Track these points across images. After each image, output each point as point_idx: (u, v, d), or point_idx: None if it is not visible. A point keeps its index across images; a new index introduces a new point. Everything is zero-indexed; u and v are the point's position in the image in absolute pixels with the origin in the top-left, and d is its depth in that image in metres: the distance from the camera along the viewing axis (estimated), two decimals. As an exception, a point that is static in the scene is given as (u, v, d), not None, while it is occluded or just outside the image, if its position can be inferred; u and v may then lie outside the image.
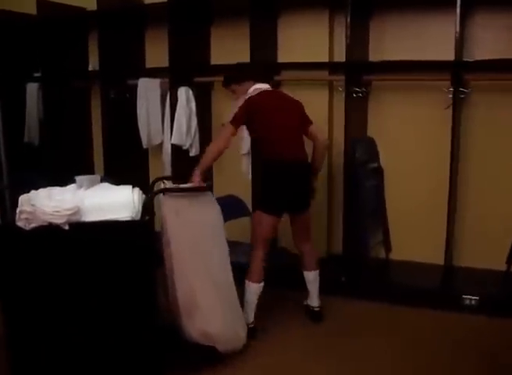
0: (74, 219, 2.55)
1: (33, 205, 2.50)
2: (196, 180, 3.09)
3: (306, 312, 3.73)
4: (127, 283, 2.67)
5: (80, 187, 4.23)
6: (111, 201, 2.65)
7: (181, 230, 2.79)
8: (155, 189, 2.92)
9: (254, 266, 3.39)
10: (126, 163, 4.82)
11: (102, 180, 4.68)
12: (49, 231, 2.53)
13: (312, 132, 3.52)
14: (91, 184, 4.45)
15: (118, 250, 2.62)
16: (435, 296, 3.84)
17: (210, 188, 2.82)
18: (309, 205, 3.55)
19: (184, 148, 4.51)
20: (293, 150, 3.38)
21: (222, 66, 4.46)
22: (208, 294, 2.92)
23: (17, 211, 2.53)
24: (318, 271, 3.66)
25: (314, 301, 3.70)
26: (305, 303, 3.76)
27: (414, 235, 4.34)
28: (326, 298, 3.81)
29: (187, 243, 2.81)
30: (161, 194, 2.91)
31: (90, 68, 5.11)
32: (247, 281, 3.39)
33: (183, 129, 4.44)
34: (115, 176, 4.54)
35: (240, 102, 3.44)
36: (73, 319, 2.66)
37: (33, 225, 2.53)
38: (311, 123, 3.52)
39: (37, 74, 5.07)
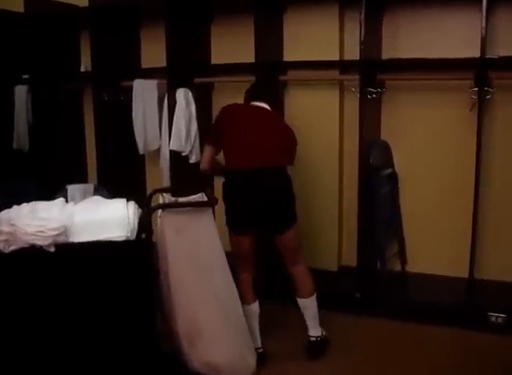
0: (61, 240, 2.25)
1: (13, 225, 2.20)
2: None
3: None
4: (122, 310, 2.39)
5: (72, 198, 4.04)
6: (103, 219, 2.35)
7: (181, 248, 2.49)
8: (153, 203, 2.61)
9: (240, 288, 3.05)
10: (121, 170, 4.59)
11: (96, 190, 4.47)
12: (32, 254, 2.24)
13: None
14: (84, 194, 4.24)
15: (111, 275, 2.34)
16: (457, 313, 3.56)
17: (213, 203, 2.50)
18: (289, 224, 3.09)
19: (184, 154, 4.23)
20: (252, 158, 3.00)
21: (223, 66, 4.26)
22: (212, 318, 2.64)
23: (-6, 232, 2.23)
24: (314, 296, 3.23)
25: (313, 329, 3.25)
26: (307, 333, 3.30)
27: (432, 246, 4.07)
28: (339, 316, 3.62)
29: (187, 263, 2.52)
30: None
31: (83, 69, 4.86)
32: (241, 305, 3.01)
33: (182, 133, 4.17)
34: (110, 184, 4.33)
35: None
36: (63, 349, 2.36)
37: (13, 247, 2.22)
38: (292, 159, 3.16)
39: (25, 76, 4.81)
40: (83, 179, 4.88)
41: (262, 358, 3.08)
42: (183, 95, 4.15)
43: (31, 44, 4.63)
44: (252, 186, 2.96)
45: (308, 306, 3.22)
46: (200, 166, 3.23)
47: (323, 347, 3.27)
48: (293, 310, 3.33)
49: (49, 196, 3.37)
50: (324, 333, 3.30)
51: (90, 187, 4.54)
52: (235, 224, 3.02)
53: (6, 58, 4.72)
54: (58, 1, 4.61)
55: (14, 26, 4.65)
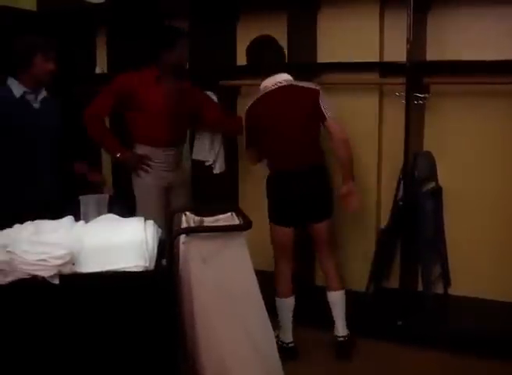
0: (67, 270, 1.89)
1: (9, 252, 1.84)
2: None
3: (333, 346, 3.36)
4: (139, 351, 2.02)
5: (85, 211, 3.70)
6: (117, 245, 1.99)
7: (208, 279, 2.11)
8: (175, 226, 2.24)
9: (278, 280, 3.30)
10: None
11: (111, 201, 4.15)
12: (33, 287, 1.88)
13: (328, 127, 3.18)
14: (98, 206, 3.91)
15: (125, 311, 1.97)
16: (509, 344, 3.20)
17: (248, 226, 2.13)
18: (326, 214, 3.28)
19: (207, 164, 3.91)
20: (295, 158, 3.17)
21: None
22: (242, 359, 2.23)
23: (-12, 260, 1.88)
24: (343, 291, 3.32)
25: (340, 328, 3.31)
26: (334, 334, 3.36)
27: (477, 267, 3.71)
28: (377, 344, 3.39)
29: (215, 296, 2.13)
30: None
31: (98, 70, 4.62)
32: (276, 298, 3.28)
33: (205, 141, 3.84)
34: (126, 194, 4.02)
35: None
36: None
37: (10, 278, 1.87)
38: (325, 118, 3.16)
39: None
40: (97, 188, 4.56)
41: (293, 353, 3.26)
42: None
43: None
44: (298, 183, 3.16)
45: (337, 302, 3.30)
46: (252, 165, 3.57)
47: (351, 347, 3.33)
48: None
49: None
50: (349, 333, 3.35)
51: (104, 197, 4.22)
52: (281, 217, 3.23)
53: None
54: (73, -1, 4.38)
55: (26, 25, 4.37)
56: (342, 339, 3.30)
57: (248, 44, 3.34)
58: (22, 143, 3.09)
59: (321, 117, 3.15)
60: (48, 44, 3.13)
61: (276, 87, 3.17)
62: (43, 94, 3.21)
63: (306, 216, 3.24)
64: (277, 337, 3.17)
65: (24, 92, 3.09)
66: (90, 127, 3.56)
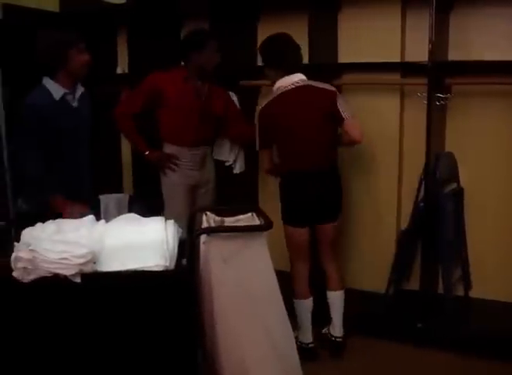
0: (88, 268, 1.90)
1: (32, 251, 1.86)
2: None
3: (325, 343, 3.37)
4: (159, 350, 2.02)
5: (105, 210, 3.73)
6: (138, 244, 1.99)
7: (228, 279, 2.10)
8: (196, 226, 2.24)
9: (296, 282, 3.29)
10: (158, 179, 4.22)
11: (131, 201, 4.17)
12: (54, 285, 1.89)
13: (346, 130, 3.19)
14: (118, 206, 3.94)
15: (146, 310, 1.97)
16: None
17: (269, 226, 2.12)
18: (336, 215, 3.27)
19: (227, 164, 3.93)
20: (307, 161, 3.16)
21: None
22: (262, 359, 2.22)
23: (12, 258, 1.89)
24: (343, 291, 3.33)
25: (337, 329, 3.32)
26: (324, 331, 3.41)
27: (499, 269, 3.65)
28: (396, 346, 3.36)
29: (235, 296, 2.12)
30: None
31: (119, 70, 4.62)
32: (294, 300, 3.26)
33: (226, 142, 3.87)
34: (146, 194, 4.04)
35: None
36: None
37: (32, 276, 1.88)
38: (342, 119, 3.14)
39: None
40: (117, 188, 4.59)
41: (313, 354, 3.26)
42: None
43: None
44: (313, 183, 3.16)
45: (336, 302, 3.31)
46: (264, 171, 3.48)
47: (344, 347, 3.33)
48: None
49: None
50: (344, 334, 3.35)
51: (125, 197, 4.30)
52: (296, 218, 3.22)
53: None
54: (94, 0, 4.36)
55: (49, 25, 4.39)
56: (339, 339, 3.31)
57: (264, 40, 3.31)
58: (64, 143, 3.04)
59: (339, 118, 3.14)
60: (76, 36, 3.05)
61: (293, 87, 3.15)
62: (80, 90, 3.14)
63: (318, 216, 3.24)
64: (296, 337, 3.16)
65: (64, 93, 3.02)
66: (120, 124, 3.71)
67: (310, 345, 3.29)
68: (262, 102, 3.30)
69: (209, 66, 3.55)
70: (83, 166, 3.21)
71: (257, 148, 3.30)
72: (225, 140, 3.88)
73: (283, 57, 3.20)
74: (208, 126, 3.66)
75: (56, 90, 3.00)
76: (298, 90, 3.14)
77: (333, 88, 3.20)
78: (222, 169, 3.94)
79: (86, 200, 3.10)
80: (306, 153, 3.15)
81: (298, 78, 3.17)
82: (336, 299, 3.31)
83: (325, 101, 3.14)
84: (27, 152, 2.96)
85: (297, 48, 3.24)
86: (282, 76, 3.18)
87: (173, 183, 3.67)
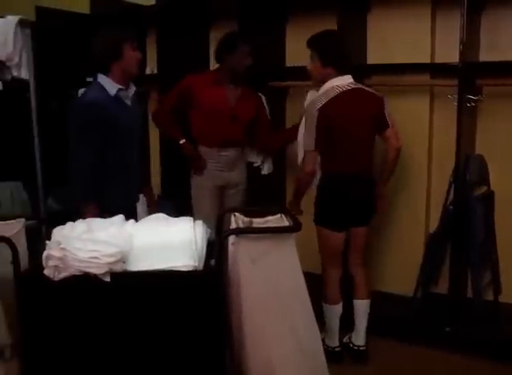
0: (117, 268, 1.91)
1: (63, 249, 1.88)
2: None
3: (348, 351, 3.33)
4: (187, 349, 2.03)
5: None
6: (167, 244, 2.00)
7: (256, 280, 2.10)
8: (225, 226, 2.25)
9: (328, 286, 3.23)
10: (187, 179, 4.24)
11: (159, 201, 4.19)
12: (84, 283, 1.91)
13: (388, 136, 3.17)
14: (146, 205, 3.95)
15: (174, 310, 1.98)
16: None
17: (298, 228, 2.11)
18: (370, 219, 3.26)
19: (255, 165, 3.94)
20: (356, 163, 3.12)
21: (300, 69, 3.79)
22: (289, 360, 2.21)
23: (43, 255, 1.92)
24: (369, 301, 3.28)
25: (360, 338, 3.28)
26: (345, 341, 3.36)
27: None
28: (425, 351, 3.31)
29: (264, 297, 2.12)
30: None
31: (148, 71, 4.64)
32: (324, 305, 3.22)
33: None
34: (174, 194, 4.06)
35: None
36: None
37: (63, 274, 1.90)
38: (388, 126, 3.15)
39: (89, 79, 4.56)
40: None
41: (339, 357, 3.24)
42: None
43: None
44: (360, 186, 3.14)
45: (363, 311, 3.25)
46: (306, 171, 3.14)
47: (367, 355, 3.29)
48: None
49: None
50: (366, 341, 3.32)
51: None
52: (336, 221, 3.15)
53: (72, 61, 4.52)
54: (124, 1, 4.45)
55: (80, 27, 4.46)
56: (362, 348, 3.27)
57: (322, 36, 3.18)
58: (119, 143, 2.98)
59: (384, 124, 3.14)
60: (130, 32, 3.03)
61: (349, 88, 3.09)
62: (133, 89, 3.08)
63: (356, 219, 3.20)
64: (322, 340, 3.13)
65: (119, 89, 2.96)
66: (157, 121, 3.87)
67: (336, 349, 3.27)
68: (315, 100, 3.12)
69: (240, 69, 3.57)
70: (135, 169, 3.14)
71: (308, 147, 3.11)
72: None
73: (344, 56, 3.14)
74: (237, 128, 3.66)
75: (111, 86, 2.95)
76: (353, 92, 3.10)
77: (380, 94, 3.19)
78: (250, 169, 3.94)
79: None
80: (356, 156, 3.11)
81: (350, 80, 3.13)
82: (361, 308, 3.26)
83: (375, 105, 3.13)
84: (82, 150, 2.87)
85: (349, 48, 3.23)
86: (336, 75, 3.10)
87: (201, 183, 3.70)
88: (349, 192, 3.12)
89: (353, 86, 3.11)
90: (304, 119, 3.26)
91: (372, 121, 3.13)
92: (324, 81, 3.12)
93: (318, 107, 3.04)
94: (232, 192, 3.76)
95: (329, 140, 3.07)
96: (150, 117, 4.05)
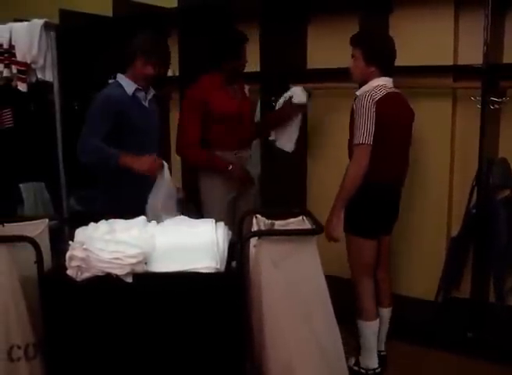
0: (139, 269, 1.92)
1: (86, 250, 1.90)
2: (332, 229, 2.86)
3: None
4: (207, 351, 2.03)
5: (153, 211, 3.75)
6: (188, 246, 2.01)
7: (278, 283, 2.10)
8: (246, 228, 2.25)
9: (365, 301, 3.00)
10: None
11: (179, 201, 4.19)
12: (106, 284, 1.92)
13: None
14: (166, 206, 3.96)
15: (195, 311, 1.99)
16: None
17: (320, 231, 2.11)
18: (393, 226, 3.18)
19: (270, 138, 3.91)
20: (397, 169, 3.03)
21: (321, 71, 3.91)
22: (309, 364, 2.21)
23: (67, 256, 1.94)
24: (391, 308, 3.17)
25: (381, 344, 3.16)
26: (351, 364, 3.11)
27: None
28: (447, 356, 3.26)
29: (285, 300, 2.12)
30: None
31: (170, 73, 4.54)
32: (360, 322, 3.00)
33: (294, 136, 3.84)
34: (195, 196, 4.05)
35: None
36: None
37: (86, 275, 1.92)
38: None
39: (111, 81, 4.58)
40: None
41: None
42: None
43: (118, 48, 4.43)
44: (397, 194, 3.11)
45: (386, 318, 3.14)
46: (363, 164, 2.80)
47: (387, 359, 3.20)
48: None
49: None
50: None
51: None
52: (374, 230, 3.00)
53: (94, 63, 4.57)
54: (147, 4, 4.46)
55: (103, 29, 4.51)
56: (383, 353, 3.18)
57: (372, 34, 3.15)
58: (135, 141, 3.00)
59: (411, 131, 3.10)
60: (154, 47, 3.06)
61: (394, 91, 2.96)
62: (152, 92, 3.17)
63: (387, 228, 3.13)
64: (357, 362, 3.09)
65: (136, 89, 3.05)
66: (192, 157, 3.60)
67: (377, 371, 3.05)
68: (370, 92, 2.86)
69: (242, 69, 3.57)
70: None
71: (364, 140, 2.77)
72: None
73: (389, 56, 2.99)
74: (246, 126, 3.65)
75: (128, 85, 3.06)
76: (398, 95, 2.98)
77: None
78: (267, 170, 3.92)
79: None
80: (403, 162, 3.04)
81: (391, 83, 2.99)
82: (387, 315, 3.15)
83: (412, 111, 3.06)
84: (88, 133, 2.91)
85: None
86: (379, 75, 2.93)
87: (216, 185, 3.59)
88: (390, 200, 3.04)
89: (395, 90, 2.97)
90: (356, 109, 2.88)
91: (410, 127, 3.05)
92: (366, 81, 2.95)
93: (376, 99, 2.80)
94: (242, 197, 3.68)
95: (378, 138, 2.80)
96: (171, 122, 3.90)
